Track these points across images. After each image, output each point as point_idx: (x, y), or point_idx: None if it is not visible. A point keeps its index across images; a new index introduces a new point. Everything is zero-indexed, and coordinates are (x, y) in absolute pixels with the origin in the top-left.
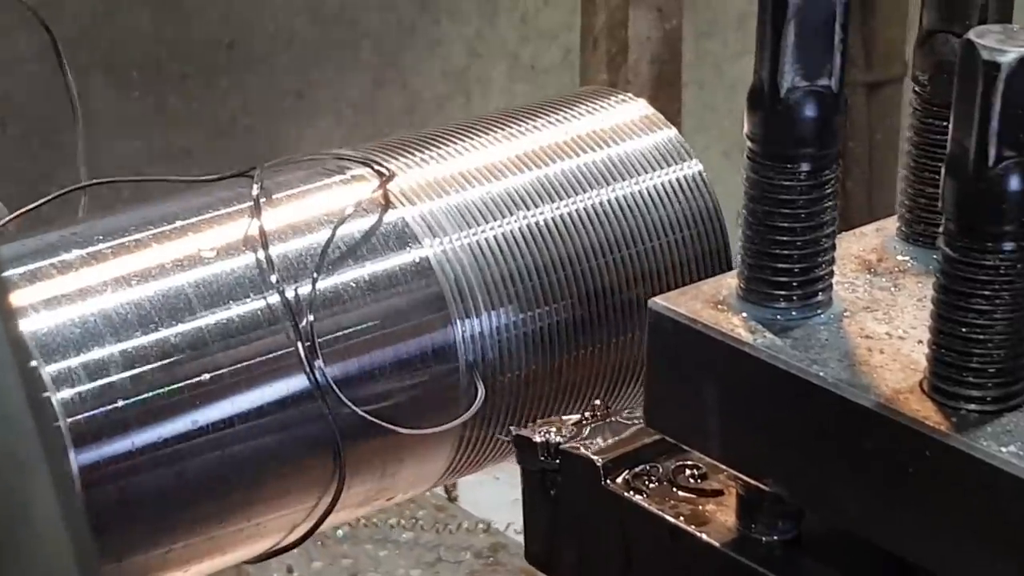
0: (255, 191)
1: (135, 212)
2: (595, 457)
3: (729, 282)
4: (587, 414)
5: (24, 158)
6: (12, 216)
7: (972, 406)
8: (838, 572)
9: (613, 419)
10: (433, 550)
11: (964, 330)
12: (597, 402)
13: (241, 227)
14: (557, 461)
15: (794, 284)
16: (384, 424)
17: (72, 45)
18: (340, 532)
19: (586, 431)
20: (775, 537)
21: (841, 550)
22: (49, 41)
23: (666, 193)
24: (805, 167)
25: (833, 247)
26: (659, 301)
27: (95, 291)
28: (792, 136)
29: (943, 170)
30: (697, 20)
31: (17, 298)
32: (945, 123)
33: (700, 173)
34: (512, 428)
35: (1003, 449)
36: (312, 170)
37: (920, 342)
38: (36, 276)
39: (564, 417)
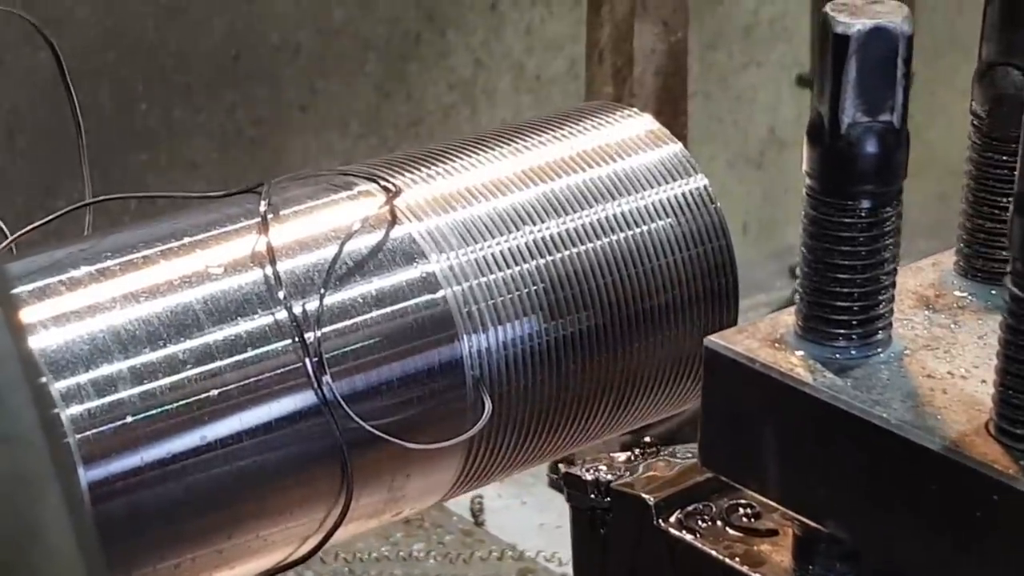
0: (262, 207)
1: (143, 229)
2: (647, 496)
3: (786, 320)
4: (637, 451)
5: (32, 169)
6: (19, 234)
7: None
8: None
9: (664, 456)
10: None
11: None
12: (647, 439)
13: (249, 243)
14: (607, 499)
15: (854, 323)
16: (391, 439)
17: (78, 57)
18: (372, 555)
19: (636, 468)
20: None
21: None
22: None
23: (671, 208)
24: (866, 204)
25: (893, 284)
26: (715, 339)
27: (104, 307)
28: (853, 173)
29: (1011, 209)
30: (703, 32)
31: (26, 315)
32: (1004, 157)
33: (706, 188)
34: (561, 466)
35: None
36: (319, 186)
37: (983, 381)
38: (45, 293)
39: (614, 454)
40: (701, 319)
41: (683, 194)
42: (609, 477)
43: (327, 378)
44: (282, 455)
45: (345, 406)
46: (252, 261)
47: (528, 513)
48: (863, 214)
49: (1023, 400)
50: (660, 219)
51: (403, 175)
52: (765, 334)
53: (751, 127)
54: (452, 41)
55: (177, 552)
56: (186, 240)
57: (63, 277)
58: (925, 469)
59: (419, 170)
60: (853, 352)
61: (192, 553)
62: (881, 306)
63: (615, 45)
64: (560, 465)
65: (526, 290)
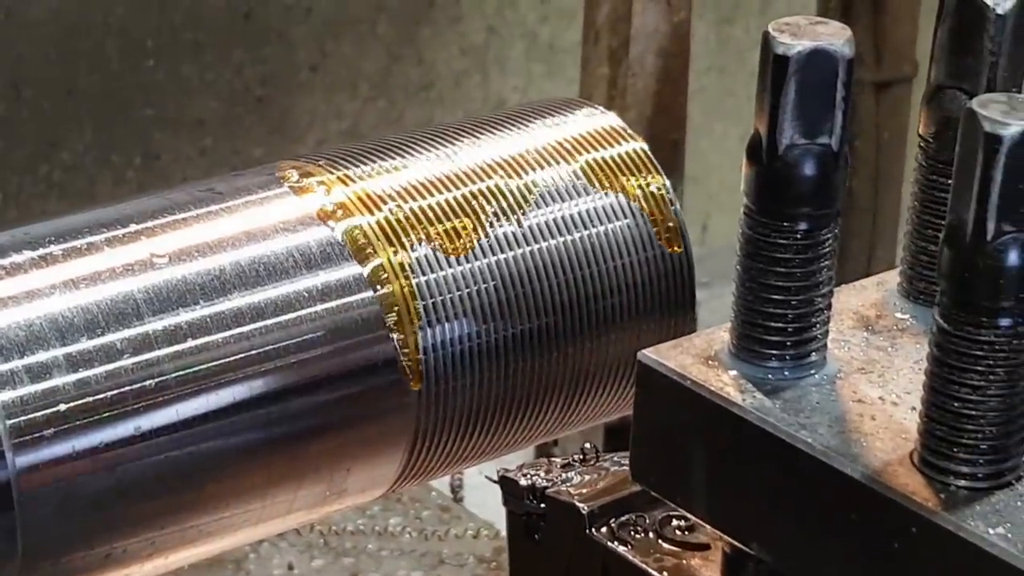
0: (212, 196)
1: (89, 213)
2: (580, 504)
3: (721, 336)
4: (576, 457)
5: (36, 121)
6: None
7: (962, 482)
8: None
9: (602, 463)
10: (435, 553)
11: (956, 404)
12: (588, 445)
13: (195, 233)
14: (542, 506)
15: (787, 343)
16: (331, 433)
17: (87, 11)
18: (347, 528)
19: (574, 475)
20: None
21: None
22: (63, 5)
23: (629, 208)
24: (802, 226)
25: (829, 306)
26: (648, 354)
27: (42, 294)
28: (789, 194)
29: (941, 239)
30: (721, 6)
31: None
32: (949, 180)
33: (666, 189)
34: (499, 469)
35: (991, 531)
36: (271, 176)
37: (913, 409)
38: None
39: (553, 459)
40: (656, 322)
41: (642, 195)
42: (545, 483)
43: (266, 371)
44: (218, 447)
45: (285, 399)
46: (197, 251)
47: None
48: (799, 236)
49: (946, 432)
50: (617, 219)
51: (357, 167)
52: (699, 350)
53: None
54: (465, 6)
55: (108, 541)
56: (132, 227)
57: (4, 262)
58: (847, 497)
59: (374, 162)
60: (786, 373)
61: (123, 542)
62: (815, 328)
63: (612, 25)
64: (498, 469)
65: (476, 287)
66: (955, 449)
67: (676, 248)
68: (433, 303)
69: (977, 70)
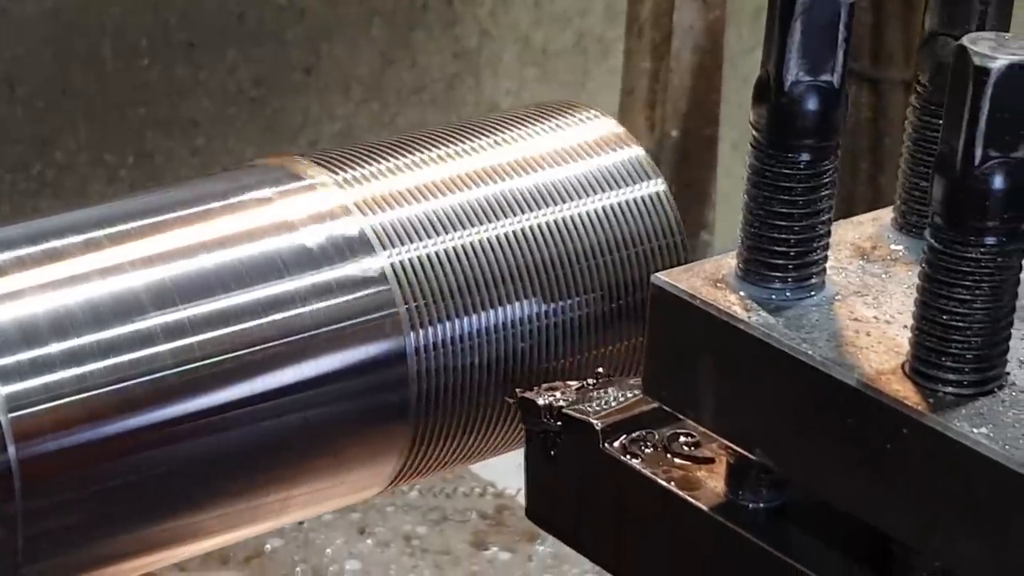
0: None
1: (91, 210)
2: (594, 421)
3: (729, 262)
4: (590, 380)
5: (30, 120)
6: None
7: (949, 389)
8: (820, 540)
9: (615, 386)
10: (439, 509)
11: (945, 317)
12: (600, 370)
13: (195, 231)
14: (559, 424)
15: (789, 267)
16: (330, 430)
17: (82, 11)
18: None
19: (588, 396)
20: (761, 505)
21: (823, 519)
22: (58, 5)
23: (628, 211)
24: (805, 157)
25: (828, 234)
26: (661, 276)
27: (45, 288)
28: (793, 127)
29: (932, 167)
30: None
31: None
32: (940, 122)
33: (663, 192)
34: (518, 390)
35: (975, 430)
36: (270, 175)
37: (905, 327)
38: None
39: (569, 382)
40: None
41: (640, 198)
42: (562, 403)
43: (265, 368)
44: (217, 442)
45: (282, 398)
46: (199, 249)
47: (510, 453)
48: (802, 166)
49: (935, 343)
50: (615, 221)
51: (358, 167)
52: (708, 274)
53: None
54: (459, 10)
55: (108, 533)
56: (133, 224)
57: (6, 257)
58: (844, 403)
59: (375, 163)
60: (788, 294)
61: (123, 536)
62: (816, 253)
63: (655, 20)
64: (517, 390)
65: (475, 288)
66: (943, 358)
67: (674, 246)
68: (432, 303)
69: (968, 18)
